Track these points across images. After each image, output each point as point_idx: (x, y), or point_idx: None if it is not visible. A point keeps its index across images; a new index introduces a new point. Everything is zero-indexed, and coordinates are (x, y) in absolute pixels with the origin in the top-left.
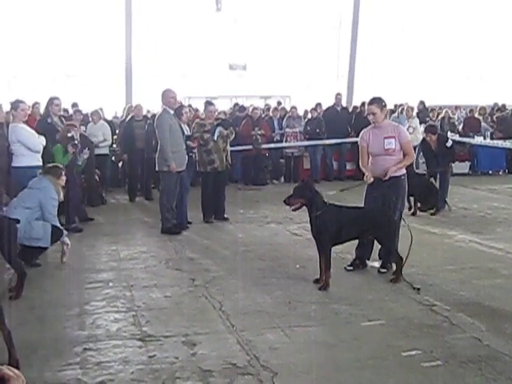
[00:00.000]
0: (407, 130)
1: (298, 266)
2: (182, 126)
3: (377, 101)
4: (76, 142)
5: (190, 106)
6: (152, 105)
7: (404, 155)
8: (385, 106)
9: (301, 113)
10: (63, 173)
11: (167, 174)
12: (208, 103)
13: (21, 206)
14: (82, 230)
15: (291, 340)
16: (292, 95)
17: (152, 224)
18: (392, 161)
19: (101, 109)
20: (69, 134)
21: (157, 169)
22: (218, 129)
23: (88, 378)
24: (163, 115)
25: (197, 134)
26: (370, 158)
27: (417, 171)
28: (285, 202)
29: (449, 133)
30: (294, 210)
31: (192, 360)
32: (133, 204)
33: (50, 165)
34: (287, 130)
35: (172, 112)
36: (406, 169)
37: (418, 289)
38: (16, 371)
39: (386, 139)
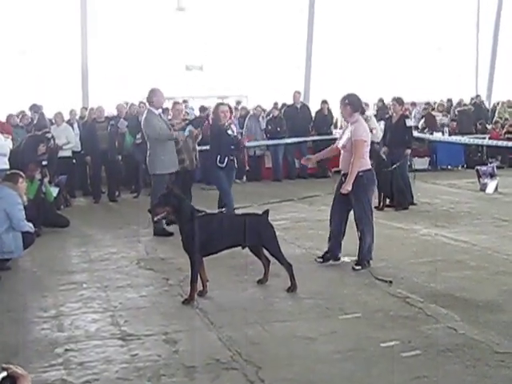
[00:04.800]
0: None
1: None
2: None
3: (347, 97)
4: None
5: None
6: (109, 105)
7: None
8: (349, 104)
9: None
10: (21, 179)
11: (158, 176)
12: (176, 102)
13: None
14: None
15: (271, 335)
16: (249, 95)
17: (119, 225)
18: (347, 156)
19: (59, 112)
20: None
21: (149, 172)
22: (188, 128)
23: (73, 378)
24: (151, 115)
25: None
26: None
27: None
28: (149, 211)
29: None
30: (156, 221)
31: (175, 357)
32: (98, 206)
33: (8, 172)
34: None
35: (157, 112)
36: (376, 162)
37: (391, 281)
38: (23, 371)
39: (344, 136)
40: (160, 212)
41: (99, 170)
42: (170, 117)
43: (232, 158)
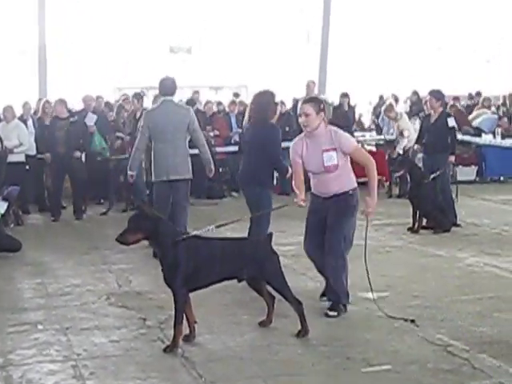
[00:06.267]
0: (397, 134)
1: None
2: None
3: (314, 100)
4: None
5: (126, 98)
6: (72, 99)
7: (362, 165)
8: (323, 110)
9: None
10: None
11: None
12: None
13: None
14: None
15: None
16: (249, 85)
17: (85, 250)
18: (338, 178)
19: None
20: None
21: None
22: None
23: None
24: None
25: None
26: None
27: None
28: (118, 240)
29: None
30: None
31: None
32: (58, 225)
33: None
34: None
35: None
36: (410, 171)
37: (412, 320)
38: None
39: (326, 153)
40: (131, 240)
41: (60, 179)
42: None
43: None
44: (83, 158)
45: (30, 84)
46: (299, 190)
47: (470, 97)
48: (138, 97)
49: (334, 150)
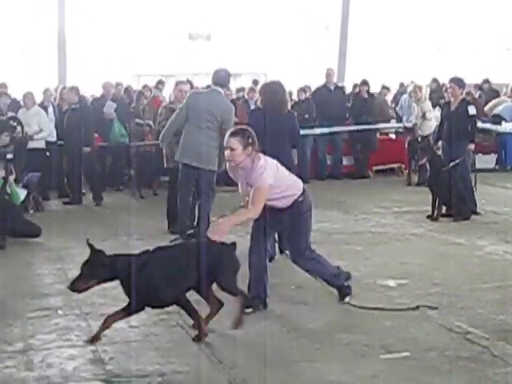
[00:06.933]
0: (417, 117)
1: (293, 287)
2: None
3: (240, 133)
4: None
5: (145, 86)
6: (90, 86)
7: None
8: (251, 144)
9: None
10: None
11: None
12: (179, 82)
13: None
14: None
15: (295, 378)
16: (268, 73)
17: (104, 236)
18: (276, 198)
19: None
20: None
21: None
22: None
23: None
24: None
25: (165, 122)
26: None
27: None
28: (69, 288)
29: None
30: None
31: None
32: (78, 211)
33: None
34: None
35: None
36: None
37: (417, 307)
38: None
39: (248, 186)
40: (83, 288)
41: (79, 165)
42: (171, 99)
43: None
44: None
45: (50, 71)
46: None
47: (480, 86)
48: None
49: (251, 186)
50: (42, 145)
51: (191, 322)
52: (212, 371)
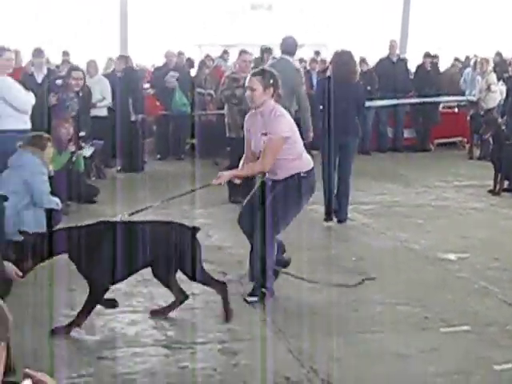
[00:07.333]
0: (481, 90)
1: (354, 259)
2: None
3: (261, 73)
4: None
5: (207, 56)
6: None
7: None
8: (272, 85)
9: None
10: (49, 144)
11: None
12: (243, 52)
13: (4, 191)
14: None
15: (355, 349)
16: (329, 43)
17: (164, 204)
18: (280, 165)
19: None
20: (63, 130)
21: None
22: None
23: None
24: None
25: (227, 92)
26: None
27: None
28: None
29: None
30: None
31: (234, 372)
32: (138, 178)
33: (32, 134)
34: None
35: None
36: (494, 134)
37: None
38: (50, 379)
39: (263, 136)
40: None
41: (136, 133)
42: (234, 69)
43: None
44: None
45: (112, 40)
46: (242, 164)
47: None
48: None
49: (265, 135)
50: (104, 113)
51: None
52: (271, 340)
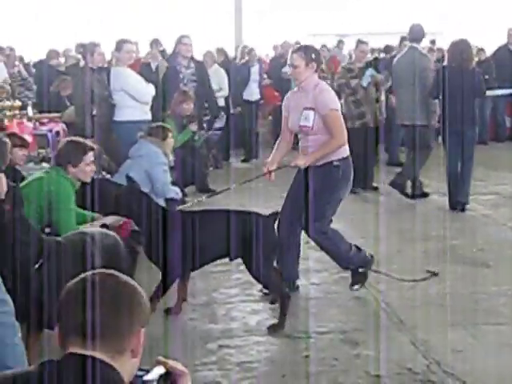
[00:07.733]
0: None
1: (474, 250)
2: None
3: (303, 49)
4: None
5: (323, 45)
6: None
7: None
8: (316, 60)
9: None
10: (169, 134)
11: None
12: (360, 42)
13: None
14: None
15: (478, 341)
16: (445, 32)
17: (276, 193)
18: (314, 142)
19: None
20: (185, 106)
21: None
22: (369, 72)
23: (229, 381)
24: None
25: (341, 81)
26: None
27: None
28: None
29: None
30: None
31: (356, 362)
32: (256, 169)
33: (153, 125)
34: None
35: None
36: None
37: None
38: (183, 367)
39: (305, 111)
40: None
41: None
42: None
43: None
44: None
45: (226, 31)
46: (275, 152)
47: None
48: None
49: (312, 109)
50: (221, 103)
51: (372, 280)
52: (393, 331)
